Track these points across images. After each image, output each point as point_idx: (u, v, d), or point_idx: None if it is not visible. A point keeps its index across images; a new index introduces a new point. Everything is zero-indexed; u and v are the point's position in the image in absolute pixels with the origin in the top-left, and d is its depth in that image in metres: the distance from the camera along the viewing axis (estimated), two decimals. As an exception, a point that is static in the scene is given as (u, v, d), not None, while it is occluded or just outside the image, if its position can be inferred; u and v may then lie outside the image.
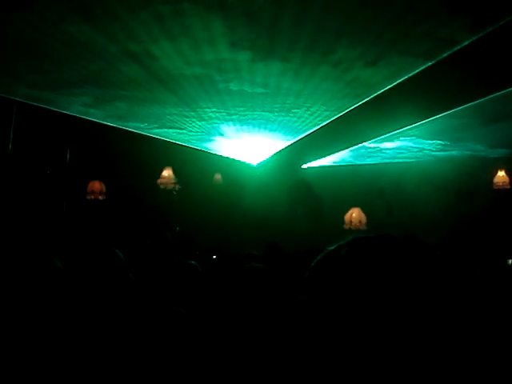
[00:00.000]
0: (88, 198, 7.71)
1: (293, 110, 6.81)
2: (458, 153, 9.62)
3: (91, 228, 6.92)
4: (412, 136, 8.20)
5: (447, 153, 9.58)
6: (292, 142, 8.53)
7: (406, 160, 10.07)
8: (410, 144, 8.92)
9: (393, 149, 9.32)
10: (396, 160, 10.19)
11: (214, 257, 4.02)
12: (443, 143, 9.00)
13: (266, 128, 7.86)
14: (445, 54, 4.60)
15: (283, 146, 8.89)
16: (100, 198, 7.75)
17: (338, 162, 10.36)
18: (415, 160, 10.12)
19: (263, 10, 3.96)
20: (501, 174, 9.40)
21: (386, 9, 3.82)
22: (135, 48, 4.76)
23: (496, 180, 9.38)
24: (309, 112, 6.78)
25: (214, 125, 7.61)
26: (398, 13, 3.91)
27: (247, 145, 8.94)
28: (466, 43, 4.19)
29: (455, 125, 7.31)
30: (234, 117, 7.22)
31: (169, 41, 4.58)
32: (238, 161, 9.85)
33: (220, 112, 6.98)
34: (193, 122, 7.38)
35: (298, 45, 4.57)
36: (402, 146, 9.12)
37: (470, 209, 9.25)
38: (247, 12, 3.99)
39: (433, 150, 9.48)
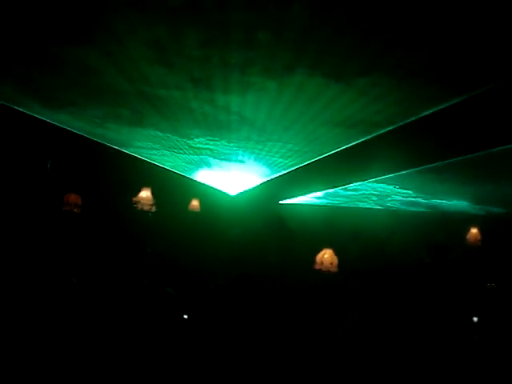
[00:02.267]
0: (64, 209, 7.88)
1: (274, 149, 7.24)
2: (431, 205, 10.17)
3: (63, 240, 7.09)
4: (392, 184, 8.70)
5: (425, 203, 10.11)
6: (271, 177, 8.96)
7: (380, 207, 10.57)
8: (389, 191, 9.42)
9: (372, 194, 9.81)
10: (371, 206, 10.68)
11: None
12: (421, 195, 9.54)
13: (246, 162, 8.27)
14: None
15: (262, 181, 9.30)
16: (75, 210, 7.92)
17: (315, 202, 10.81)
18: (392, 208, 10.63)
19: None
20: (474, 230, 9.94)
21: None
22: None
23: (469, 236, 9.91)
24: (289, 153, 7.23)
25: (197, 151, 7.97)
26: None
27: (226, 175, 9.32)
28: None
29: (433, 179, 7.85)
30: (217, 147, 7.62)
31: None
32: (217, 189, 10.19)
33: (203, 141, 7.37)
34: (176, 147, 7.73)
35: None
36: (382, 192, 9.62)
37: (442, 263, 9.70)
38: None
39: (409, 199, 10.00)
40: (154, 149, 8.06)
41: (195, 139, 7.35)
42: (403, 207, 10.48)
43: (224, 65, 4.54)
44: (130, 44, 4.45)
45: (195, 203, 9.88)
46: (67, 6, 4.03)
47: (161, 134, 7.22)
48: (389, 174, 7.41)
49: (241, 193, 10.17)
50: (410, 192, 9.30)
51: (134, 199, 8.32)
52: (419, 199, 9.76)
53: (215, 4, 3.74)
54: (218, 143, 7.45)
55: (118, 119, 6.72)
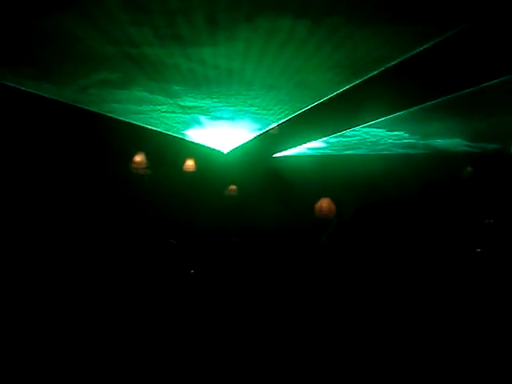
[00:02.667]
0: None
1: (264, 103, 7.22)
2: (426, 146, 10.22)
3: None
4: (384, 128, 8.72)
5: (418, 144, 10.15)
6: (263, 131, 8.94)
7: (375, 152, 10.61)
8: (381, 135, 9.44)
9: (366, 140, 9.83)
10: (366, 151, 10.71)
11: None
12: (414, 136, 9.57)
13: (237, 117, 8.24)
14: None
15: (254, 136, 9.28)
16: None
17: (309, 152, 10.83)
18: (385, 153, 10.67)
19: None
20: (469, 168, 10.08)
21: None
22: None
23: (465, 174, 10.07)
24: (279, 105, 7.21)
25: (187, 111, 7.93)
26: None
27: (219, 133, 9.29)
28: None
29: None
30: (206, 105, 7.57)
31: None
32: (210, 148, 10.18)
33: (192, 100, 7.31)
34: (167, 108, 7.68)
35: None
36: (374, 137, 9.64)
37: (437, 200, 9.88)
38: None
39: (402, 141, 10.03)
40: (144, 112, 8.01)
41: (184, 98, 7.29)
42: (397, 150, 10.53)
43: (207, 16, 4.47)
44: (109, 3, 4.37)
45: (190, 163, 9.91)
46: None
47: (150, 96, 7.16)
48: (381, 117, 7.41)
49: (234, 149, 10.17)
50: (402, 134, 9.33)
51: (130, 164, 8.38)
52: (412, 141, 9.80)
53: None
54: (208, 101, 7.41)
55: (106, 85, 6.64)
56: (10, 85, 6.81)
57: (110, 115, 8.08)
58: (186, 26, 4.74)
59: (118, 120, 8.26)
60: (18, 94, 6.92)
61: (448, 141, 9.82)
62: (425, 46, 4.87)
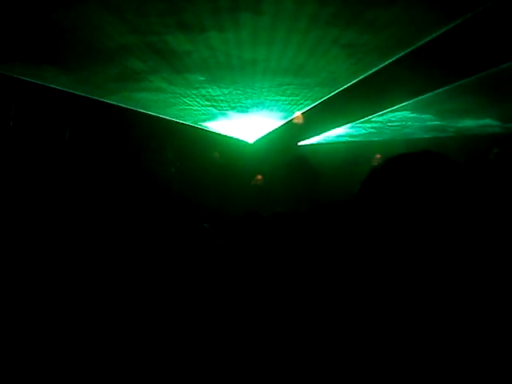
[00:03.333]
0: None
1: (288, 91, 7.28)
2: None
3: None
4: (409, 111, 8.65)
5: (447, 127, 10.03)
6: (287, 120, 9.01)
7: (402, 137, 10.56)
8: (409, 118, 9.37)
9: (395, 122, 9.75)
10: (392, 136, 10.67)
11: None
12: (443, 119, 9.45)
13: (261, 107, 8.32)
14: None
15: (279, 125, 9.37)
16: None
17: (334, 139, 10.85)
18: (412, 137, 10.61)
19: None
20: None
21: None
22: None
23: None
24: (303, 92, 7.26)
25: (213, 103, 8.05)
26: None
27: (243, 123, 9.40)
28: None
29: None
30: (230, 95, 7.67)
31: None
32: (235, 138, 10.30)
33: (217, 90, 7.41)
34: (191, 99, 7.81)
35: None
36: (401, 121, 9.58)
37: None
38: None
39: (430, 124, 9.92)
40: (169, 104, 8.15)
41: (209, 89, 7.40)
42: (424, 134, 10.46)
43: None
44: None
45: (216, 155, 10.04)
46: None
47: (174, 88, 7.28)
48: (406, 101, 7.38)
49: (259, 139, 10.26)
50: (429, 116, 9.24)
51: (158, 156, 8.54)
52: (439, 123, 9.71)
53: None
54: (233, 91, 7.50)
55: (129, 77, 6.79)
56: (31, 80, 7.02)
57: (135, 109, 8.25)
58: (208, 12, 4.82)
59: (143, 113, 8.43)
60: (40, 90, 7.13)
61: (477, 121, 9.69)
62: (449, 26, 4.85)
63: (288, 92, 7.49)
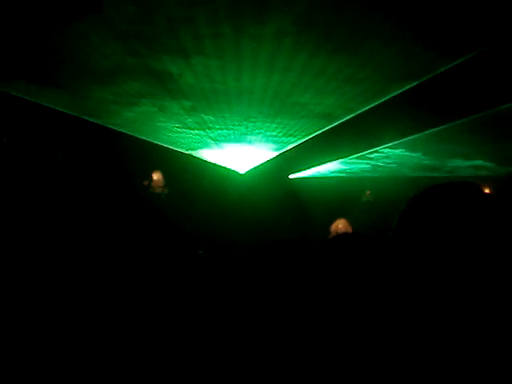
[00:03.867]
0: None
1: (281, 124, 7.36)
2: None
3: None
4: (401, 149, 8.75)
5: (439, 167, 10.13)
6: (279, 152, 9.06)
7: (392, 175, 10.64)
8: (400, 156, 9.46)
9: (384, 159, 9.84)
10: (383, 174, 10.75)
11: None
12: (435, 158, 9.56)
13: (254, 137, 8.36)
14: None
15: (270, 157, 9.41)
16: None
17: (326, 174, 10.90)
18: (403, 175, 10.69)
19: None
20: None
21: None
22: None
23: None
24: (296, 126, 7.34)
25: (206, 131, 8.07)
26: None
27: (234, 153, 9.42)
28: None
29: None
30: (223, 125, 7.71)
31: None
32: (226, 168, 10.30)
33: (211, 118, 7.45)
34: (182, 125, 7.83)
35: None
36: (392, 159, 9.67)
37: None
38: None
39: (422, 163, 10.02)
40: (160, 130, 8.17)
41: (202, 117, 7.43)
42: (414, 173, 10.55)
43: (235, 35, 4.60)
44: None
45: (204, 183, 10.03)
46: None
47: (165, 113, 7.31)
48: (397, 140, 7.46)
49: (250, 170, 10.28)
50: (420, 155, 9.34)
51: (146, 182, 8.49)
52: (433, 163, 9.82)
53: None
54: (225, 120, 7.54)
55: (122, 101, 6.81)
56: (26, 98, 7.00)
57: (126, 132, 8.24)
58: (208, 37, 4.86)
59: (135, 138, 8.42)
60: (35, 108, 7.11)
61: (471, 162, 9.80)
62: (444, 68, 4.95)
63: (282, 124, 7.54)
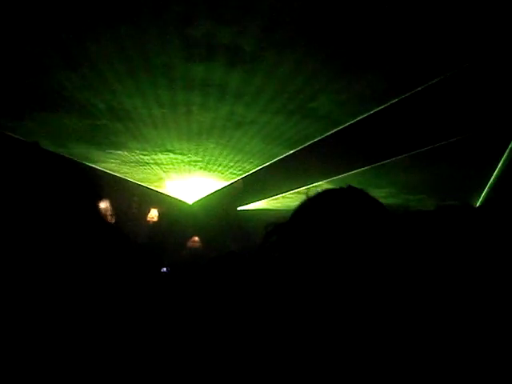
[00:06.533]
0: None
1: (229, 157, 8.01)
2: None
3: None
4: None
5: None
6: (227, 184, 9.67)
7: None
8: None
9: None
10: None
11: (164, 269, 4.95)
12: (384, 193, 10.28)
13: (203, 169, 8.96)
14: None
15: (218, 187, 10.00)
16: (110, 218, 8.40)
17: (274, 207, 11.50)
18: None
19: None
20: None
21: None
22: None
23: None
24: (242, 160, 8.01)
25: (157, 162, 8.61)
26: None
27: (183, 184, 9.96)
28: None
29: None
30: (171, 157, 8.29)
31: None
32: (174, 198, 10.78)
33: (161, 154, 8.03)
34: (135, 160, 8.37)
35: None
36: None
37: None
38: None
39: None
40: (119, 161, 8.65)
41: (148, 150, 7.99)
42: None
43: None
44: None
45: (153, 212, 10.47)
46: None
47: (122, 151, 7.85)
48: (333, 177, 8.22)
49: (198, 200, 10.79)
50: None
51: (95, 211, 8.82)
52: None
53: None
54: (174, 154, 8.13)
55: (81, 133, 7.31)
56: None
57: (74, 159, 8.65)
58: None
59: (83, 165, 8.84)
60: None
61: (411, 196, 10.55)
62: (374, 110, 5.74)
63: (229, 157, 8.18)
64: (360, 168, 7.76)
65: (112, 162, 8.70)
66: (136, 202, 10.03)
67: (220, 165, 8.63)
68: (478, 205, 9.87)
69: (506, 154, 7.68)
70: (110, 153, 8.20)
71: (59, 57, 5.13)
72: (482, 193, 9.27)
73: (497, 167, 8.13)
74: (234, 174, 9.15)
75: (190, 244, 10.22)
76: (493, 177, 8.64)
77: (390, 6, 4.20)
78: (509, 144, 7.41)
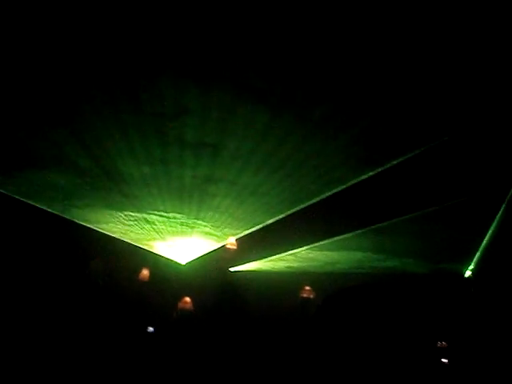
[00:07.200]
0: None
1: (221, 219, 8.16)
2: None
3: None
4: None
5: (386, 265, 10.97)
6: (219, 245, 9.76)
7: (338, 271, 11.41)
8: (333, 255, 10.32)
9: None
10: (329, 270, 11.50)
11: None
12: (380, 256, 10.42)
13: (196, 230, 9.07)
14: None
15: (211, 249, 10.08)
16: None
17: (267, 268, 11.55)
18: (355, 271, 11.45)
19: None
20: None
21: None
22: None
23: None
24: (236, 221, 8.16)
25: (150, 222, 8.73)
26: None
27: (176, 244, 10.04)
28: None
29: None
30: (168, 219, 8.43)
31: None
32: (167, 258, 10.82)
33: (156, 214, 8.18)
34: (131, 219, 8.49)
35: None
36: (328, 257, 10.49)
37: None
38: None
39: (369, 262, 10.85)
40: (110, 220, 8.76)
41: (144, 211, 8.13)
42: (353, 270, 11.35)
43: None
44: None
45: (145, 272, 10.46)
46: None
47: (121, 210, 7.99)
48: (332, 237, 8.35)
49: (191, 261, 10.83)
50: (355, 254, 10.17)
51: (86, 269, 8.85)
52: (366, 261, 10.67)
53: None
54: (167, 214, 8.27)
55: (72, 192, 7.45)
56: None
57: (69, 218, 8.75)
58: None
59: (77, 223, 8.93)
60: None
61: (402, 260, 10.69)
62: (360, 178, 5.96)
63: (221, 219, 8.31)
64: (356, 231, 7.90)
65: (106, 222, 8.81)
66: (129, 263, 10.05)
67: (213, 226, 8.74)
68: (470, 267, 10.04)
69: (496, 219, 7.86)
70: (103, 212, 8.32)
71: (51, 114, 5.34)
72: (473, 257, 9.42)
73: (488, 232, 8.31)
74: (227, 235, 9.26)
75: (180, 305, 10.18)
76: (485, 240, 8.80)
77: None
78: (499, 208, 7.61)
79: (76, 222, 8.86)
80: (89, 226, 9.05)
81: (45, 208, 8.25)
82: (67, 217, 8.61)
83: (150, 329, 5.24)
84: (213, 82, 4.63)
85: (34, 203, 8.13)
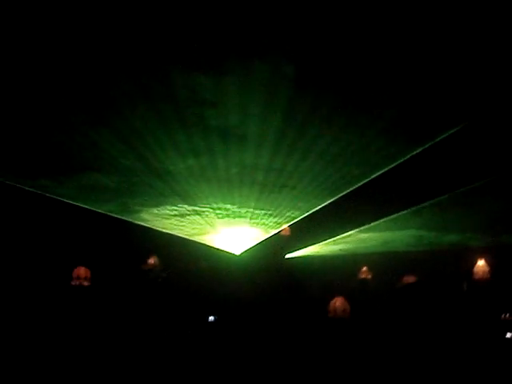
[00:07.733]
0: (73, 283, 8.72)
1: (274, 206, 8.20)
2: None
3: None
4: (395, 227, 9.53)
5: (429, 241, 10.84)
6: (274, 232, 9.81)
7: (385, 251, 11.33)
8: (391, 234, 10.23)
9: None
10: (378, 250, 11.42)
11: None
12: (426, 233, 10.30)
13: (248, 219, 9.15)
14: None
15: (265, 237, 10.15)
16: (85, 283, 8.75)
17: (321, 252, 11.57)
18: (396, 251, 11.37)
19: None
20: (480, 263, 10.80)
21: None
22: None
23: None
24: (287, 208, 8.18)
25: (203, 216, 8.87)
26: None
27: (231, 235, 10.16)
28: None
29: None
30: (220, 209, 8.53)
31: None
32: (222, 250, 10.98)
33: (208, 207, 8.30)
34: (182, 212, 8.65)
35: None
36: (384, 236, 10.42)
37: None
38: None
39: (413, 239, 10.76)
40: (162, 216, 8.95)
41: (199, 204, 8.25)
42: (408, 248, 11.23)
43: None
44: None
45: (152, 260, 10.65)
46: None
47: (171, 205, 8.16)
48: (384, 217, 8.27)
49: (245, 251, 10.96)
50: (413, 231, 10.07)
51: (144, 267, 9.14)
52: (424, 238, 10.54)
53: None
54: (222, 204, 8.36)
55: (126, 192, 7.65)
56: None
57: (127, 219, 8.99)
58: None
59: (133, 224, 9.18)
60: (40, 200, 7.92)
61: (459, 235, 10.52)
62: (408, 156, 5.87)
63: (274, 205, 8.35)
64: (416, 206, 7.83)
65: (160, 219, 9.00)
66: (186, 257, 10.27)
67: (265, 214, 8.80)
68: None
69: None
70: (153, 209, 8.50)
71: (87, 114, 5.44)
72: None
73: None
74: (278, 223, 9.30)
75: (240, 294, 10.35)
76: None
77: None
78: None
79: (131, 222, 9.09)
80: (143, 224, 9.26)
81: (101, 211, 8.48)
82: (124, 218, 8.83)
83: (211, 318, 5.38)
84: (253, 66, 4.56)
85: (86, 206, 8.36)
